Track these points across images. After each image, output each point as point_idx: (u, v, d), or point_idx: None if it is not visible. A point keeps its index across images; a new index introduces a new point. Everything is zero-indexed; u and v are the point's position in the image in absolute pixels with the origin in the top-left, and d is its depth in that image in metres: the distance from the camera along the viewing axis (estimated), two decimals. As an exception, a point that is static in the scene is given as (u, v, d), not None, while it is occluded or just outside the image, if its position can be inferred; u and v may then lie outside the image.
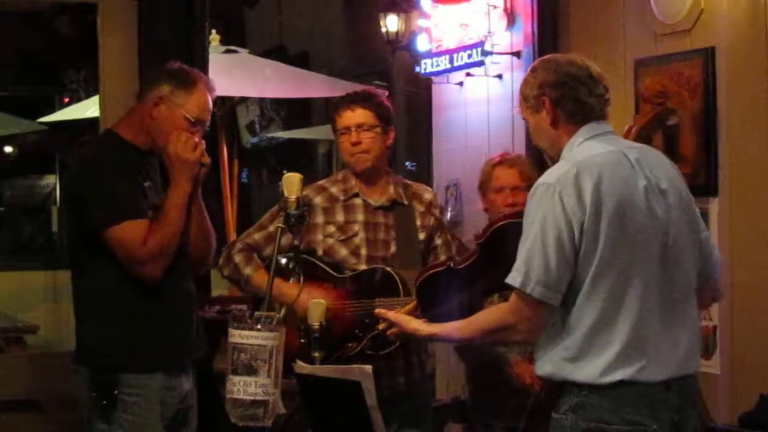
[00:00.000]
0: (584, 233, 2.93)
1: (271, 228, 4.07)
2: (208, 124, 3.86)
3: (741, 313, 4.78)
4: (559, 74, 3.11)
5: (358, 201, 4.10)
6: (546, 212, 2.95)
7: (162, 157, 3.80)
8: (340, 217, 4.08)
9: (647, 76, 5.11)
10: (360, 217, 4.08)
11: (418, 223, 4.13)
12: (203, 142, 3.82)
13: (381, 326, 3.49)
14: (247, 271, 4.05)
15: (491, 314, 3.14)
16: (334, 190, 4.12)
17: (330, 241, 4.05)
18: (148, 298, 3.72)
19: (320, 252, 4.04)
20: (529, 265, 2.95)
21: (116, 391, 3.68)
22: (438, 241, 4.17)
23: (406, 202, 4.14)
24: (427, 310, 3.45)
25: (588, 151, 3.04)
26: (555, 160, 3.13)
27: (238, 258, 4.08)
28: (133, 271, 3.68)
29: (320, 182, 4.18)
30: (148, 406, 3.73)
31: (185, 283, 3.87)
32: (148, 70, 3.95)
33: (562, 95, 3.10)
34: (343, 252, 4.05)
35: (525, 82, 3.19)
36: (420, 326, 3.36)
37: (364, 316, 3.86)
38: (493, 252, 3.36)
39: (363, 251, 4.04)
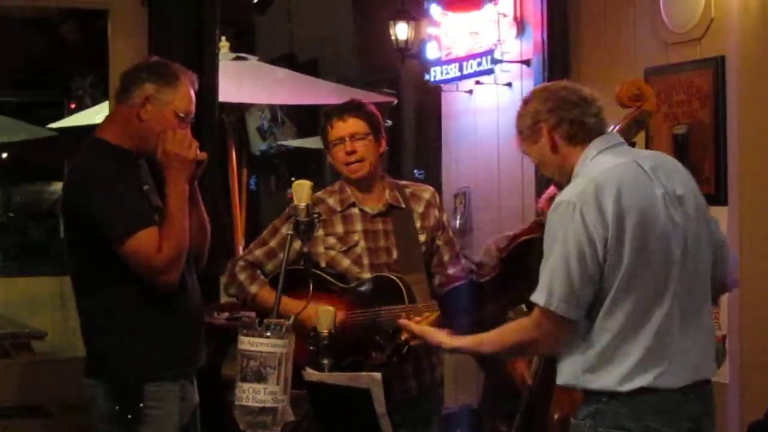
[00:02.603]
0: (608, 249, 2.92)
1: (272, 243, 4.08)
2: (193, 115, 3.73)
3: (750, 322, 4.78)
4: (552, 100, 3.12)
5: (355, 210, 4.09)
6: (567, 230, 2.94)
7: (154, 158, 3.66)
8: (339, 228, 4.07)
9: (657, 85, 5.11)
10: (359, 226, 4.08)
11: (418, 224, 4.12)
12: (194, 139, 3.69)
13: (403, 337, 3.47)
14: (253, 289, 4.05)
15: (515, 330, 3.13)
16: (331, 201, 4.11)
17: (332, 253, 4.05)
18: (162, 303, 3.61)
19: (323, 264, 4.04)
20: (552, 283, 2.95)
21: (141, 404, 3.57)
22: (440, 241, 4.15)
23: (403, 205, 4.13)
24: (450, 321, 3.46)
25: (603, 164, 3.04)
26: (565, 185, 3.11)
27: (242, 276, 4.07)
28: (150, 280, 3.56)
29: (317, 193, 4.11)
30: (168, 417, 3.65)
31: (192, 282, 3.78)
32: (126, 70, 3.78)
33: (559, 119, 3.09)
34: (345, 263, 4.04)
35: (519, 116, 3.19)
36: (445, 339, 3.34)
37: (370, 325, 3.86)
38: (515, 266, 3.38)
39: (365, 260, 4.04)
